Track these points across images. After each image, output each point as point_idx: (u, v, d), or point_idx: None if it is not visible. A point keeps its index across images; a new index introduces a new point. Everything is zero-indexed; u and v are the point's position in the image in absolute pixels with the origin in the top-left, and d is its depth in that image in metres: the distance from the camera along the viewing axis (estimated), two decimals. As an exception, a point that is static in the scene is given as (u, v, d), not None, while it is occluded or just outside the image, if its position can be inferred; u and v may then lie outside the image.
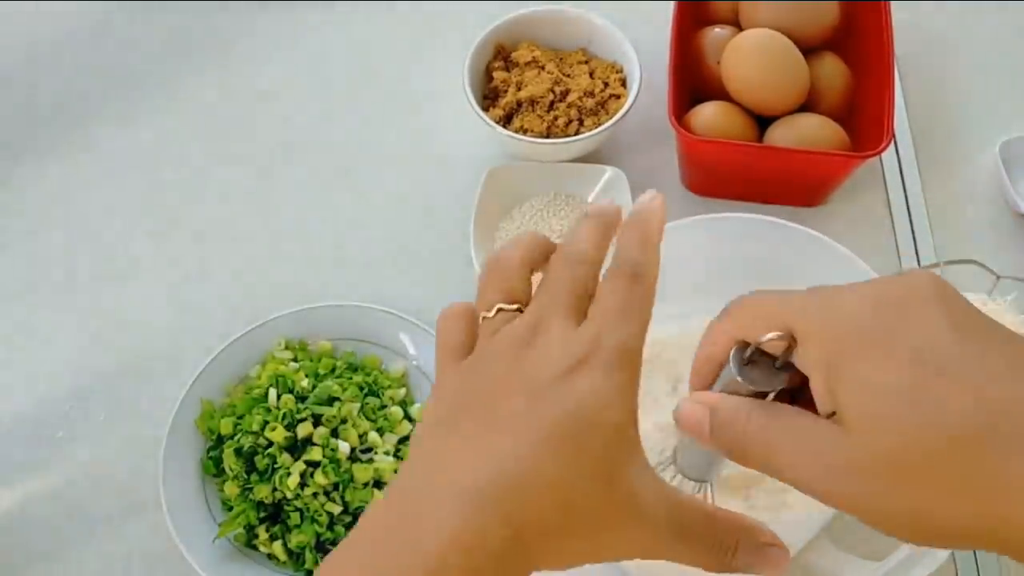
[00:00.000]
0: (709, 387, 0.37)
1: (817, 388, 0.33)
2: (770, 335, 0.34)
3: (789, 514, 0.49)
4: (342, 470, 0.65)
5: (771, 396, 0.35)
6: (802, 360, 0.34)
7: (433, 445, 0.35)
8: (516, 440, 0.32)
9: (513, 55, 0.81)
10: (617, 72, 0.80)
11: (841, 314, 0.33)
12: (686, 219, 0.49)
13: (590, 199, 0.78)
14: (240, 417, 0.68)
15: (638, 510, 0.33)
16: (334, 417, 0.67)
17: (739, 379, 0.35)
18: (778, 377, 0.35)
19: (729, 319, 0.37)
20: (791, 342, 0.34)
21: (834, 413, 0.33)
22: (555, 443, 0.32)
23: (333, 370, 0.70)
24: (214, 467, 0.68)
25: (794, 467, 0.33)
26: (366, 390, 0.69)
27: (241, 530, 0.66)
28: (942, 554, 0.45)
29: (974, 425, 0.30)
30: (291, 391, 0.68)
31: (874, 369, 0.31)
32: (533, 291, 0.37)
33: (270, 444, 0.66)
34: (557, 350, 0.34)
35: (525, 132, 0.77)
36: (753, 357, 0.35)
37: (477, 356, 0.36)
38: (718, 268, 0.53)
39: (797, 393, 0.36)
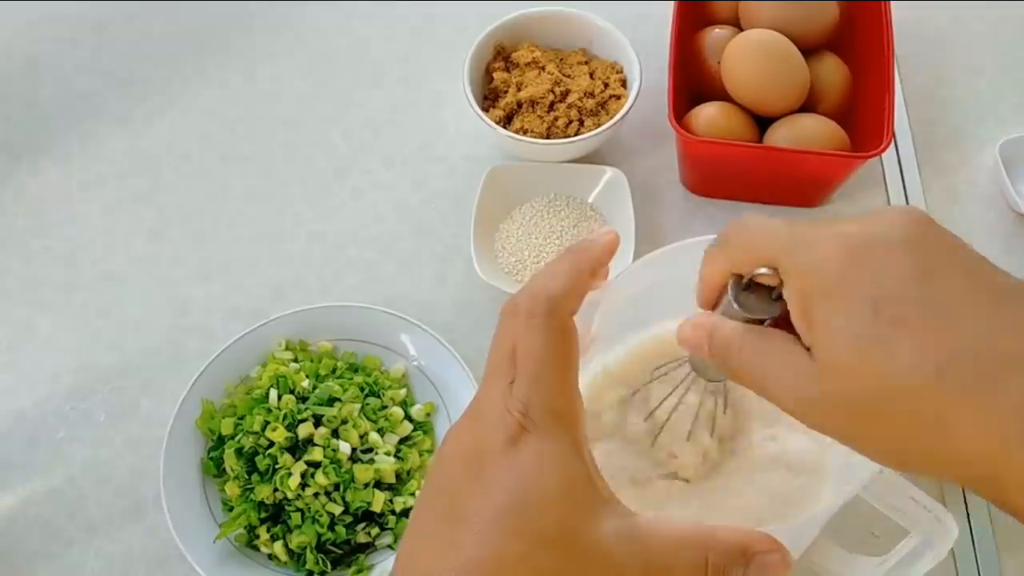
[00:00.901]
0: (712, 309, 0.38)
1: (796, 323, 0.34)
2: (759, 270, 0.35)
3: (792, 515, 0.49)
4: (343, 470, 0.65)
5: (768, 322, 0.36)
6: (785, 294, 0.34)
7: (414, 549, 0.35)
8: (476, 528, 0.33)
9: (513, 55, 0.80)
10: (617, 72, 0.80)
11: (814, 256, 0.33)
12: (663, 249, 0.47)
13: (590, 200, 0.78)
14: (241, 417, 0.68)
15: (608, 559, 0.33)
16: (335, 418, 0.67)
17: (736, 307, 0.36)
18: (773, 306, 0.36)
19: (722, 250, 0.37)
20: (779, 276, 0.35)
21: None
22: (512, 521, 0.33)
23: (334, 371, 0.71)
24: (215, 467, 0.68)
25: (777, 392, 0.34)
26: (367, 391, 0.70)
27: (242, 530, 0.66)
28: (944, 547, 0.45)
29: (922, 374, 0.30)
30: (292, 391, 0.68)
31: (837, 315, 0.32)
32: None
33: (271, 444, 0.66)
34: (495, 423, 0.34)
35: (525, 133, 0.77)
36: (750, 284, 0.36)
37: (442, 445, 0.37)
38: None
39: None
